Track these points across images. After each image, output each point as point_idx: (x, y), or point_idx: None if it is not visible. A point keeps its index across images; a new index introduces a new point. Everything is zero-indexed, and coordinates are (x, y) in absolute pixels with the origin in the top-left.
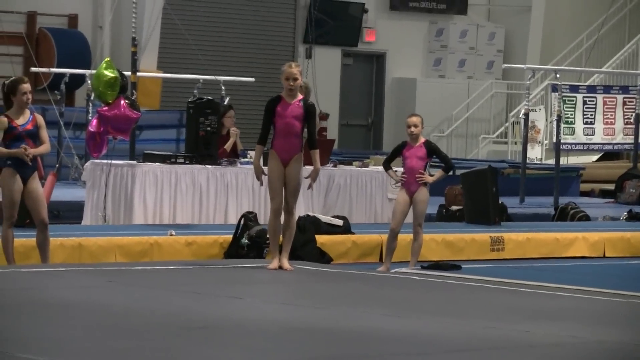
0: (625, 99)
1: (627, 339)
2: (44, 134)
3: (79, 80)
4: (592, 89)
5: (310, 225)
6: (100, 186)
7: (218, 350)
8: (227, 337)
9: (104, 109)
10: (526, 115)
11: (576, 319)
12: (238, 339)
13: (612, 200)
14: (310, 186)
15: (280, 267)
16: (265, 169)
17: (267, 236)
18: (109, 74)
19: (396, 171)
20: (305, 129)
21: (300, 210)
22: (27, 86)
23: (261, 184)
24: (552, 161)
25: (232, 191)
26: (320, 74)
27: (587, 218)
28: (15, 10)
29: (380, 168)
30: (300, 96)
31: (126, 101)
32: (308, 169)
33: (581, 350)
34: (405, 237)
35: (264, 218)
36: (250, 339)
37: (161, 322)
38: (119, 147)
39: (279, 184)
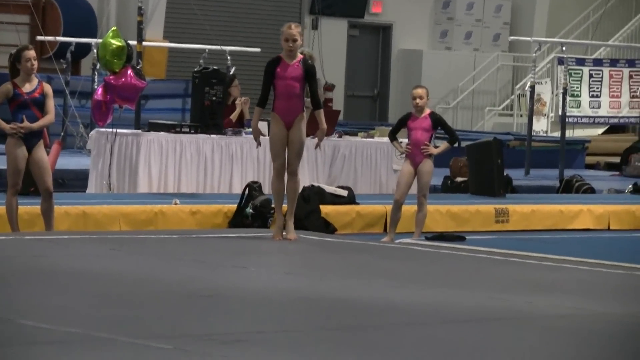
0: (631, 72)
1: (632, 311)
2: (50, 103)
3: (85, 49)
4: (598, 62)
5: (315, 196)
6: (105, 155)
7: (222, 319)
8: (231, 306)
9: (111, 77)
10: (532, 88)
11: (580, 291)
12: (242, 308)
13: (617, 173)
14: (317, 145)
15: (284, 238)
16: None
17: (272, 205)
18: (116, 43)
19: (401, 142)
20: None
21: (304, 181)
22: (31, 53)
23: (258, 145)
24: (557, 134)
25: (237, 161)
26: (326, 46)
27: (592, 191)
28: None
29: (386, 139)
30: (300, 56)
31: (132, 70)
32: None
33: (585, 322)
34: (409, 208)
35: (268, 188)
36: (254, 308)
37: (165, 291)
38: (124, 116)
39: (280, 147)
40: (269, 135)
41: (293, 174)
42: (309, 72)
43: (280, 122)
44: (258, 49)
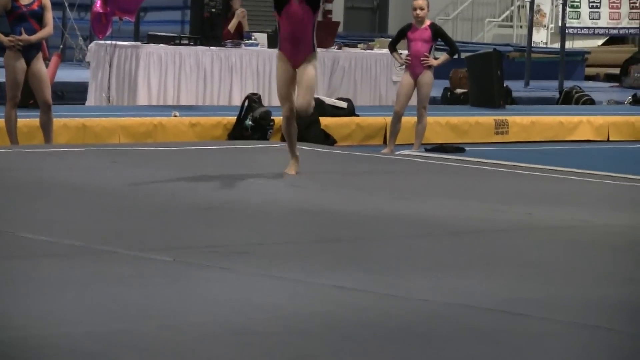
0: None
1: (633, 222)
2: (49, 15)
3: None
4: None
5: (315, 107)
6: (105, 67)
7: (222, 231)
8: (231, 218)
9: None
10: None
11: (580, 203)
12: (242, 220)
13: (616, 84)
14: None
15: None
16: None
17: (272, 118)
18: None
19: (401, 54)
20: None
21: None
22: None
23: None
24: (557, 45)
25: (236, 73)
26: None
27: (591, 102)
28: None
29: (385, 50)
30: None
31: None
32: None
33: (585, 232)
34: (409, 120)
35: (267, 100)
36: (254, 220)
37: (165, 203)
38: (123, 29)
39: (285, 90)
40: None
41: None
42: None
43: (286, 62)
44: None
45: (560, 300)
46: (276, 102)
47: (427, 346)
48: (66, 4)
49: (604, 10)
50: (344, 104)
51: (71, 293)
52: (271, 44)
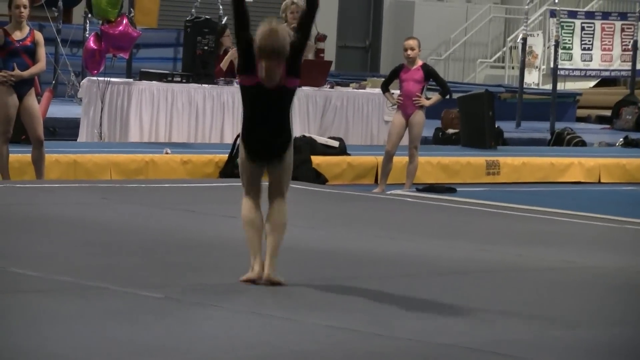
0: (623, 26)
1: (622, 265)
2: (41, 51)
3: None
4: (590, 14)
5: (306, 146)
6: (97, 103)
7: (212, 269)
8: (221, 256)
9: (106, 26)
10: (524, 40)
11: (571, 244)
12: (231, 258)
13: (608, 126)
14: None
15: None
16: None
17: None
18: None
19: (393, 94)
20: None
21: (296, 131)
22: (22, 0)
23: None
24: (549, 86)
25: (228, 111)
26: None
27: (583, 143)
28: None
29: (377, 90)
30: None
31: (127, 19)
32: (306, 89)
33: (575, 274)
34: (401, 160)
35: None
36: (243, 258)
37: (155, 240)
38: (115, 65)
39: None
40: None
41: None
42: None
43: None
44: None
45: (548, 342)
46: None
47: None
48: (59, 40)
49: (596, 53)
50: (335, 143)
51: (60, 328)
52: None
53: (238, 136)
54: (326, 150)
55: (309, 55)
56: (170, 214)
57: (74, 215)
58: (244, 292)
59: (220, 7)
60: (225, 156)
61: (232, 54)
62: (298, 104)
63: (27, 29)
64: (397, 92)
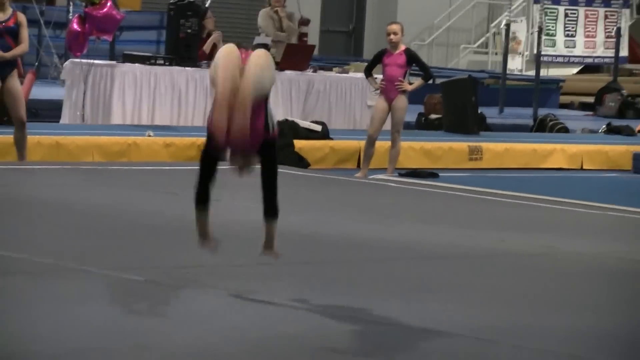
0: (607, 13)
1: (603, 250)
2: (24, 32)
3: None
4: (574, 1)
5: (289, 130)
6: (80, 85)
7: (193, 251)
8: (197, 238)
9: (91, 9)
10: (507, 26)
11: (552, 230)
12: (212, 240)
13: (591, 113)
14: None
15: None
16: None
17: None
18: None
19: (376, 78)
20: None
21: (279, 115)
22: None
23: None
24: (532, 73)
25: (211, 94)
26: None
27: (565, 130)
28: None
29: (360, 74)
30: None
31: (112, 2)
32: (289, 73)
33: (557, 260)
34: (383, 144)
35: None
36: (225, 241)
37: (137, 223)
38: (98, 48)
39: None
40: None
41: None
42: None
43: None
44: None
45: (531, 327)
46: None
47: None
48: (42, 22)
49: (579, 39)
50: (318, 127)
51: (42, 311)
52: None
53: None
54: (309, 134)
55: (292, 39)
56: (153, 196)
57: (55, 197)
58: (224, 275)
59: None
60: None
61: (215, 37)
62: (281, 87)
63: (10, 11)
64: (380, 76)
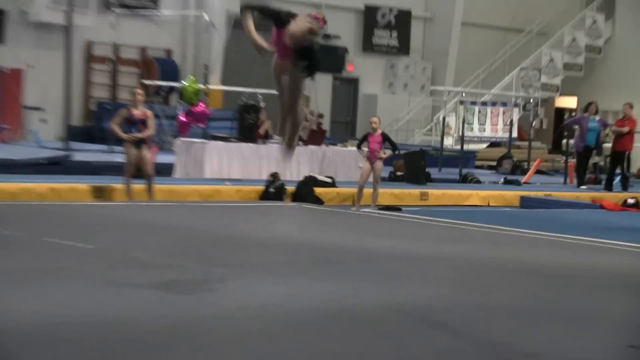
0: (504, 110)
1: (499, 256)
2: (151, 122)
3: (172, 89)
4: (484, 103)
5: (310, 182)
6: (184, 154)
7: (244, 252)
8: (249, 244)
9: (191, 107)
10: (444, 119)
11: (471, 242)
12: (247, 246)
13: (494, 171)
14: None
15: None
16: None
17: (285, 187)
18: (195, 86)
19: (363, 150)
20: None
21: (305, 173)
22: (138, 90)
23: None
24: (458, 147)
25: (263, 159)
26: (319, 90)
27: (478, 182)
28: (134, 44)
29: (354, 148)
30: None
31: (204, 103)
32: (311, 147)
33: (472, 261)
34: (368, 190)
35: (283, 177)
36: (256, 246)
37: (217, 235)
38: (196, 131)
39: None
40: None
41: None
42: None
43: None
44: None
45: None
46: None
47: (374, 330)
48: (161, 115)
49: (487, 126)
50: (329, 180)
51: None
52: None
53: (270, 175)
54: (323, 184)
55: (313, 126)
56: (229, 221)
57: (169, 221)
58: (250, 269)
59: (259, 96)
60: (263, 187)
61: (265, 125)
62: (307, 156)
63: (142, 108)
64: (366, 149)
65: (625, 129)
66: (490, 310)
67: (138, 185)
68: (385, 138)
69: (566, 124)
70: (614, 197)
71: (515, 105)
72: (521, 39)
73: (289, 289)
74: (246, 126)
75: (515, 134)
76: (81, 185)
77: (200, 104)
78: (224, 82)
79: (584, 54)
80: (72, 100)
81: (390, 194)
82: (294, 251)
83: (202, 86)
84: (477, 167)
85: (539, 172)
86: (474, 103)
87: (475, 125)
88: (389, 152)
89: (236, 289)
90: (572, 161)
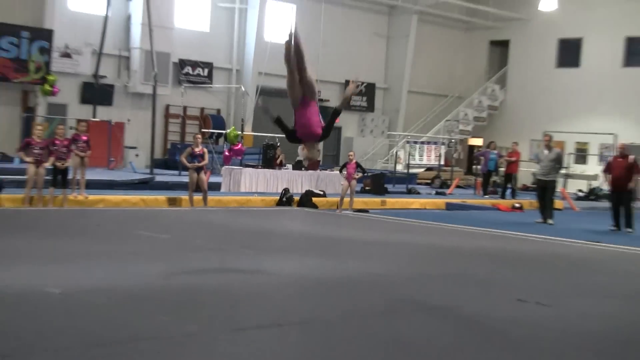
0: (435, 147)
1: (431, 242)
2: (206, 156)
3: (220, 135)
4: (423, 143)
5: (310, 193)
6: (228, 177)
7: (264, 241)
8: (268, 237)
9: (232, 146)
10: (396, 153)
11: (413, 232)
12: (272, 238)
13: (429, 186)
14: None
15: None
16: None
17: (293, 198)
18: (235, 132)
19: (343, 172)
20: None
21: (305, 188)
22: (198, 135)
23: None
24: (406, 170)
25: (279, 180)
26: None
27: (418, 193)
28: (196, 106)
29: (337, 172)
30: None
31: (241, 143)
32: (309, 172)
33: (414, 244)
34: (347, 199)
35: (292, 189)
36: (279, 238)
37: (244, 229)
38: (235, 162)
39: None
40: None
41: None
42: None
43: None
44: None
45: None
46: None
47: (355, 288)
48: (213, 151)
49: (425, 157)
50: (322, 192)
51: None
52: (295, 167)
53: (283, 189)
54: (318, 195)
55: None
56: (256, 220)
57: (218, 220)
58: (259, 250)
59: (277, 138)
60: (277, 197)
61: (281, 156)
62: (306, 177)
63: (201, 146)
64: (345, 172)
65: (513, 159)
66: (426, 276)
67: (197, 197)
68: (358, 165)
69: (475, 155)
70: (506, 202)
71: (443, 143)
72: (446, 101)
73: (300, 263)
74: (268, 158)
75: (442, 162)
76: (161, 197)
77: (239, 144)
78: (253, 130)
79: (486, 111)
80: (155, 142)
81: (361, 201)
82: (300, 239)
83: (239, 132)
84: (418, 183)
85: (458, 187)
86: (416, 142)
87: (417, 157)
88: (360, 174)
89: (264, 263)
90: (479, 180)
